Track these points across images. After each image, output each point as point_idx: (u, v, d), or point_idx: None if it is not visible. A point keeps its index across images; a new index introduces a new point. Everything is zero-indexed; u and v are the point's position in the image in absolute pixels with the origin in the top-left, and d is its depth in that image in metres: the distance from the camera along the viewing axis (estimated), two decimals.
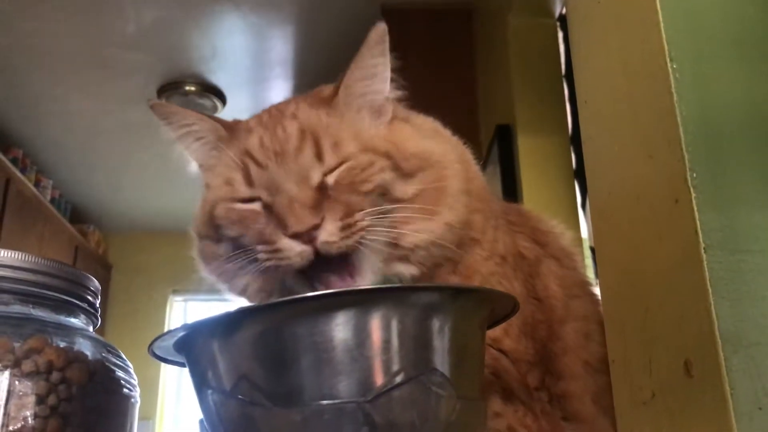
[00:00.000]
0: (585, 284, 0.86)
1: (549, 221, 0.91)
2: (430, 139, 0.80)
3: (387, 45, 0.75)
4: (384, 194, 0.70)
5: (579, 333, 0.79)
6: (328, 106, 0.75)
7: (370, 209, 0.69)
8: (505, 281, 0.77)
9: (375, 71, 0.76)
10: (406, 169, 0.72)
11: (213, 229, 0.75)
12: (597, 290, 0.88)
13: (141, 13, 3.10)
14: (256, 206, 0.71)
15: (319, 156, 0.70)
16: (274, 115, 0.76)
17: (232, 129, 0.78)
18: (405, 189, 0.71)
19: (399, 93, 0.80)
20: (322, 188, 0.69)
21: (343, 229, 0.66)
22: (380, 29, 0.74)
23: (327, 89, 0.78)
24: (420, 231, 0.70)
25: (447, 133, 0.87)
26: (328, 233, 0.66)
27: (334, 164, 0.70)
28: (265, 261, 0.68)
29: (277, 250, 0.67)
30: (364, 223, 0.68)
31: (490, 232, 0.79)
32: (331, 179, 0.69)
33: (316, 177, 0.69)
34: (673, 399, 0.58)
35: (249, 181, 0.71)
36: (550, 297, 0.80)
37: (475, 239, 0.77)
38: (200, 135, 0.79)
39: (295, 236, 0.66)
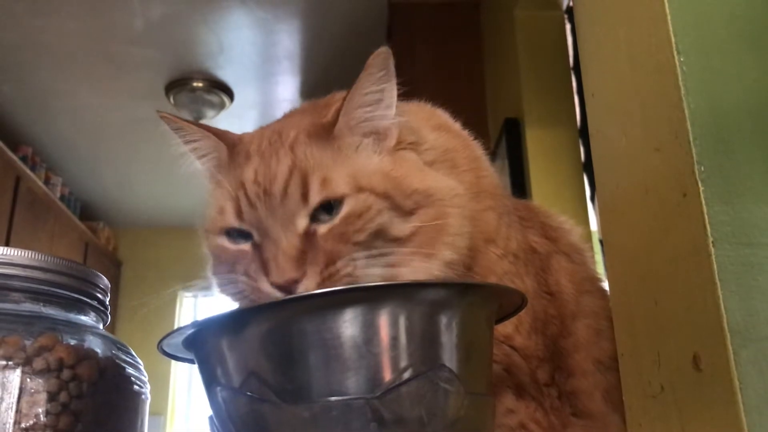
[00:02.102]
0: (595, 280, 0.86)
1: (558, 217, 0.91)
2: (437, 133, 0.79)
3: (391, 69, 0.71)
4: (379, 235, 0.67)
5: (590, 329, 0.79)
6: (327, 134, 0.71)
7: (361, 253, 0.66)
8: (518, 279, 0.76)
9: (376, 97, 0.71)
10: (406, 208, 0.68)
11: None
12: (606, 285, 0.88)
13: (148, 9, 3.11)
14: (245, 247, 0.69)
15: (305, 196, 0.66)
16: (273, 142, 0.72)
17: (233, 150, 0.75)
18: (403, 228, 0.68)
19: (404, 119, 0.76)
20: (309, 235, 0.66)
21: (324, 280, 0.64)
22: (382, 53, 0.69)
23: (333, 107, 0.74)
24: (417, 271, 0.67)
25: (457, 127, 0.86)
26: (306, 288, 0.63)
27: (317, 202, 0.66)
28: (245, 291, 0.67)
29: (257, 289, 0.66)
30: (348, 269, 0.65)
31: (504, 229, 0.78)
32: (322, 229, 0.66)
33: (302, 223, 0.66)
34: (682, 393, 0.58)
35: (239, 215, 0.69)
36: (562, 292, 0.80)
37: (489, 238, 0.76)
38: (204, 152, 0.77)
39: (275, 285, 0.64)
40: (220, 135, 0.77)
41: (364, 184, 0.67)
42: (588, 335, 0.78)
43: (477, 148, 0.85)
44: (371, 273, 0.65)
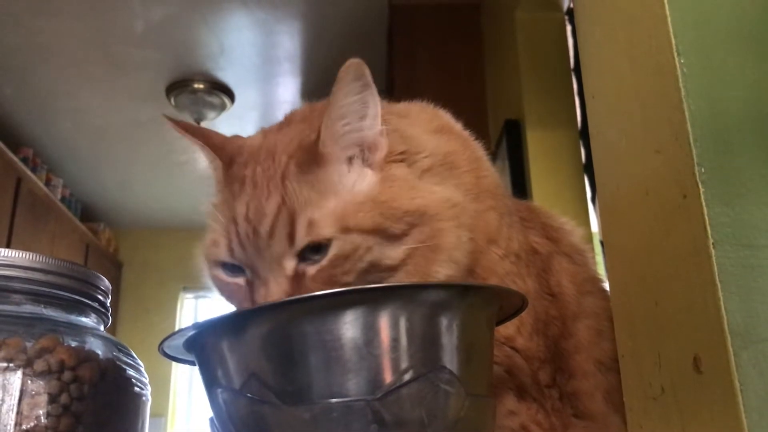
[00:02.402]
0: (596, 281, 0.86)
1: (559, 218, 0.91)
2: (436, 137, 0.79)
3: (367, 79, 0.68)
4: (371, 269, 0.66)
5: (591, 330, 0.79)
6: (314, 159, 0.68)
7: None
8: (519, 280, 0.76)
9: (356, 108, 0.69)
10: (397, 232, 0.66)
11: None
12: (607, 287, 0.88)
13: (149, 10, 3.12)
14: (240, 281, 0.69)
15: (291, 238, 0.65)
16: (266, 169, 0.70)
17: (229, 170, 0.73)
18: (395, 254, 0.66)
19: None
20: (298, 276, 0.65)
21: None
22: (353, 64, 0.67)
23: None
24: None
25: (458, 128, 0.86)
26: None
27: (302, 245, 0.65)
28: None
29: None
30: None
31: (505, 229, 0.78)
32: (311, 270, 0.65)
33: (289, 265, 0.65)
34: (683, 394, 0.58)
35: (231, 252, 0.68)
36: (563, 293, 0.80)
37: (491, 239, 0.75)
38: (207, 161, 0.77)
39: None
40: (218, 149, 0.75)
41: (351, 225, 0.65)
42: (589, 336, 0.78)
43: (478, 149, 0.84)
44: None
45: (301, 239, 0.64)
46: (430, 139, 0.78)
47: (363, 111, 0.69)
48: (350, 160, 0.69)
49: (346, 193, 0.67)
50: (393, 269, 0.66)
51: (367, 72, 0.67)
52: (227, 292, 0.71)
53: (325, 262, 0.64)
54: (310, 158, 0.68)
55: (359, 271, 0.65)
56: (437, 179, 0.73)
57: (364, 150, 0.70)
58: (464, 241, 0.70)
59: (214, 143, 0.76)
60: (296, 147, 0.70)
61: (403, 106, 0.87)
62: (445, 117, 0.87)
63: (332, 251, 0.64)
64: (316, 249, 0.65)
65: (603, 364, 0.77)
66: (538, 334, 0.75)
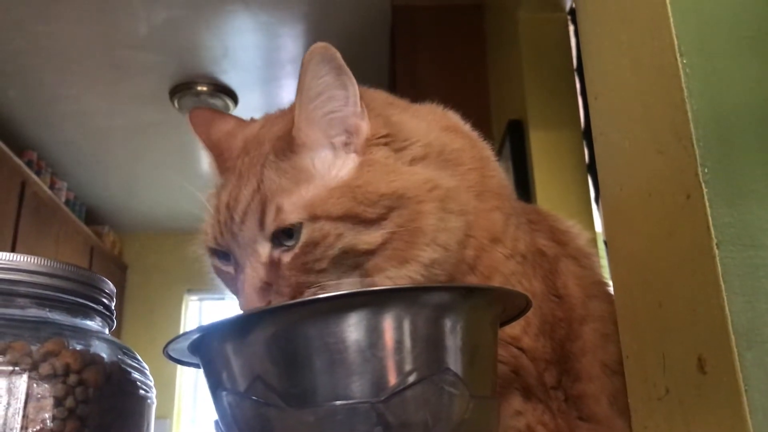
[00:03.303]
0: (602, 284, 0.85)
1: (566, 221, 0.91)
2: (445, 134, 0.79)
3: (337, 62, 0.67)
4: (346, 255, 0.65)
5: (597, 333, 0.79)
6: (290, 146, 0.69)
7: (332, 276, 0.65)
8: (525, 280, 0.76)
9: (323, 91, 0.68)
10: (372, 217, 0.65)
11: None
12: (612, 290, 0.88)
13: (152, 13, 3.12)
14: (230, 269, 0.70)
15: (261, 224, 0.66)
16: (252, 159, 0.71)
17: (221, 164, 0.76)
18: (371, 239, 0.65)
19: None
20: (273, 263, 0.66)
21: None
22: (316, 48, 0.66)
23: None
24: (393, 279, 0.66)
25: (466, 128, 0.86)
26: None
27: (271, 231, 0.65)
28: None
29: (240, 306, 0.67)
30: (314, 290, 0.65)
31: (512, 230, 0.77)
32: (286, 257, 0.65)
33: (263, 251, 0.66)
34: (687, 395, 0.58)
35: (215, 239, 0.70)
36: (570, 295, 0.80)
37: (496, 238, 0.75)
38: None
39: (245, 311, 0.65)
40: (213, 144, 0.77)
41: (319, 212, 0.65)
42: (595, 339, 0.78)
43: (486, 150, 0.84)
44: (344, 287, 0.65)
45: (269, 225, 0.65)
46: (432, 132, 0.77)
47: (335, 93, 0.68)
48: (333, 144, 0.69)
49: (320, 179, 0.67)
50: (370, 253, 0.66)
51: (338, 55, 0.67)
52: (224, 281, 0.73)
53: (297, 249, 0.65)
54: (286, 145, 0.69)
55: (332, 258, 0.65)
56: (431, 168, 0.72)
57: (344, 134, 0.70)
58: (452, 226, 0.69)
59: (210, 139, 0.78)
60: (278, 134, 0.71)
61: (411, 104, 0.87)
62: (455, 117, 0.87)
63: (303, 238, 0.65)
64: (288, 235, 0.65)
65: (609, 367, 0.77)
66: (545, 336, 0.75)
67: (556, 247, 0.84)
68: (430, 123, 0.81)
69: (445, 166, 0.74)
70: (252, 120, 0.82)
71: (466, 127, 0.86)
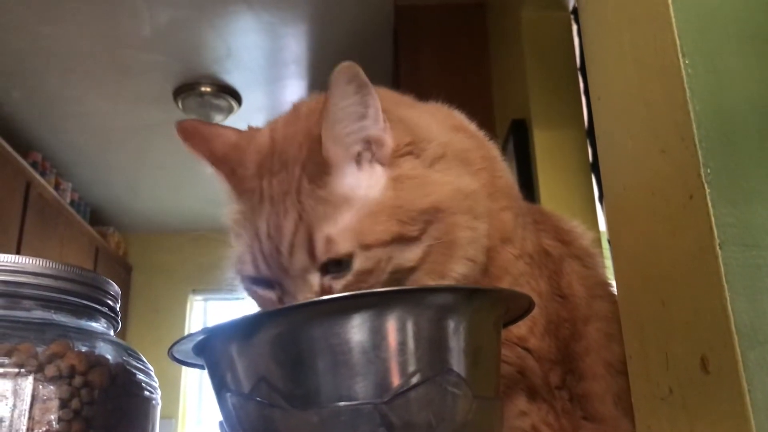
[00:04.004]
0: (606, 285, 0.86)
1: (570, 221, 0.91)
2: (453, 133, 0.78)
3: (362, 79, 0.67)
4: (393, 274, 0.66)
5: (601, 333, 0.79)
6: (324, 168, 0.68)
7: None
8: (533, 281, 0.76)
9: (351, 110, 0.68)
10: (414, 234, 0.66)
11: None
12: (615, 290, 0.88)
13: (156, 14, 3.12)
14: (272, 295, 0.69)
15: (312, 255, 0.65)
16: (281, 182, 0.69)
17: (236, 182, 0.73)
18: (413, 255, 0.66)
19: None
20: (325, 291, 0.65)
21: None
22: (343, 67, 0.66)
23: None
24: None
25: (473, 127, 0.86)
26: None
27: (323, 261, 0.65)
28: None
29: None
30: None
31: (520, 230, 0.78)
32: (338, 285, 0.65)
33: (314, 280, 0.66)
34: (691, 395, 0.58)
35: (257, 268, 0.69)
36: (574, 295, 0.80)
37: (506, 238, 0.75)
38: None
39: None
40: (219, 161, 0.74)
41: (369, 241, 0.65)
42: (599, 339, 0.78)
43: (492, 149, 0.85)
44: None
45: (321, 256, 0.65)
46: (442, 131, 0.77)
47: (362, 111, 0.68)
48: (358, 158, 0.69)
49: (360, 202, 0.67)
50: (412, 270, 0.66)
51: (361, 73, 0.67)
52: (263, 306, 0.71)
53: (350, 277, 0.65)
54: (320, 168, 0.68)
55: (384, 281, 0.65)
56: (449, 166, 0.73)
57: (371, 148, 0.69)
58: (480, 234, 0.70)
59: (215, 155, 0.74)
60: (306, 157, 0.69)
61: (416, 102, 0.87)
62: (460, 117, 0.87)
63: (355, 267, 0.65)
64: (337, 263, 0.65)
65: (613, 366, 0.77)
66: (550, 336, 0.75)
67: (561, 246, 0.84)
68: (439, 122, 0.81)
69: (462, 165, 0.75)
70: (251, 129, 0.80)
71: (472, 126, 0.86)
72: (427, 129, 0.76)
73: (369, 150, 0.69)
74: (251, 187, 0.71)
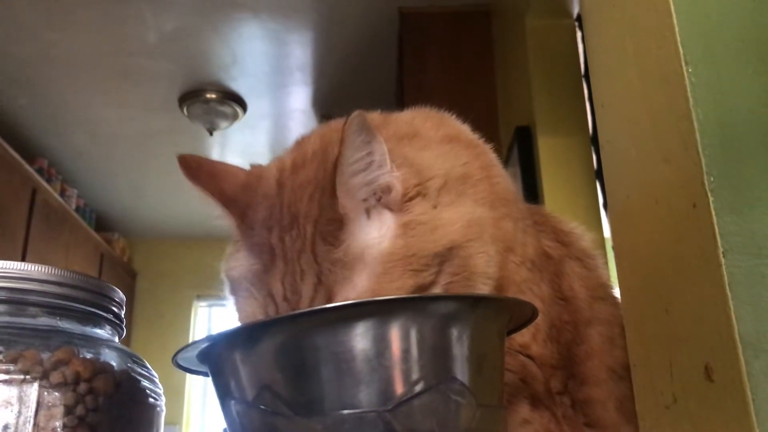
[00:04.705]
0: (607, 286, 0.85)
1: (569, 222, 0.91)
2: (448, 147, 0.78)
3: (370, 129, 0.65)
4: None
5: (603, 337, 0.79)
6: (338, 225, 0.66)
7: None
8: (535, 286, 0.76)
9: (366, 161, 0.66)
10: (431, 279, 0.65)
11: None
12: (617, 293, 0.88)
13: (161, 21, 3.14)
14: None
15: None
16: (294, 240, 0.67)
17: (245, 230, 0.71)
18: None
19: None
20: None
21: None
22: (353, 119, 0.64)
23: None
24: None
25: (466, 134, 0.85)
26: None
27: None
28: None
29: None
30: None
31: (520, 235, 0.77)
32: None
33: None
34: (695, 403, 0.58)
35: None
36: (576, 297, 0.80)
37: (508, 247, 0.75)
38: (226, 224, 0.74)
39: None
40: (230, 202, 0.72)
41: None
42: (601, 343, 0.78)
43: (488, 153, 0.84)
44: None
45: None
46: (439, 155, 0.76)
47: (371, 159, 0.66)
48: (368, 208, 0.67)
49: (374, 258, 0.65)
50: None
51: (368, 120, 0.65)
52: None
53: None
54: (334, 226, 0.66)
55: None
56: (453, 195, 0.72)
57: (381, 196, 0.68)
58: (492, 254, 0.70)
59: (225, 195, 0.72)
60: (318, 213, 0.67)
61: (406, 120, 0.85)
62: (452, 122, 0.86)
63: None
64: None
65: (615, 372, 0.77)
66: (552, 341, 0.75)
67: (561, 248, 0.83)
68: (431, 139, 0.80)
69: (462, 189, 0.74)
70: (256, 168, 0.78)
71: (466, 132, 0.85)
72: (429, 164, 0.74)
73: (383, 198, 0.68)
74: (260, 241, 0.69)
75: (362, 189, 0.67)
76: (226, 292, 0.75)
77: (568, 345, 0.76)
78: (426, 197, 0.70)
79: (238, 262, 0.72)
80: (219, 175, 0.74)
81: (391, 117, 0.85)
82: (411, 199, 0.69)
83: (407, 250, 0.66)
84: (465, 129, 0.87)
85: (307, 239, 0.67)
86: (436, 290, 0.65)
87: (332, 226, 0.66)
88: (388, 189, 0.68)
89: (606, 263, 0.90)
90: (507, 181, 0.82)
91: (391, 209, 0.68)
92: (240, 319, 0.70)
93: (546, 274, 0.79)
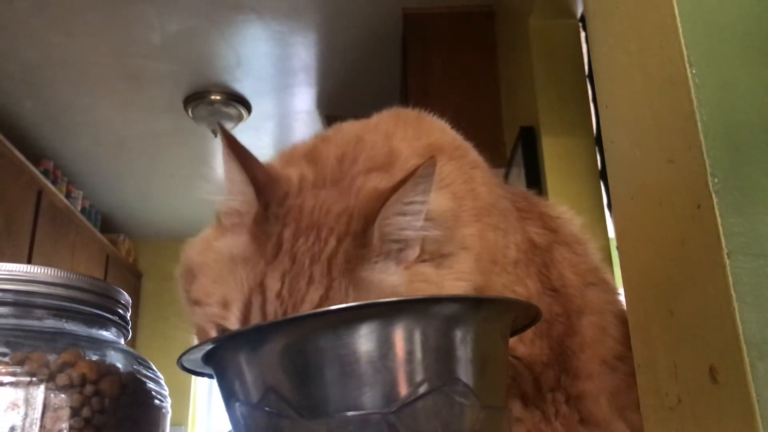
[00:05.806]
0: (598, 271, 0.84)
1: (558, 207, 0.89)
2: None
3: (432, 179, 0.61)
4: None
5: (596, 327, 0.78)
6: (361, 255, 0.62)
7: None
8: (519, 287, 0.74)
9: (416, 208, 0.62)
10: None
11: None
12: (610, 277, 0.87)
13: (166, 23, 3.15)
14: None
15: None
16: (309, 245, 0.63)
17: (263, 225, 0.65)
18: None
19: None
20: None
21: None
22: (430, 167, 0.60)
23: (369, 199, 0.65)
24: None
25: (447, 139, 0.80)
26: None
27: None
28: None
29: None
30: None
31: (501, 241, 0.74)
32: None
33: None
34: (699, 405, 0.58)
35: (245, 319, 0.61)
36: (566, 285, 0.79)
37: (493, 260, 0.73)
38: (235, 207, 0.68)
39: None
40: (260, 190, 0.66)
41: None
42: (594, 333, 0.77)
43: (470, 155, 0.80)
44: None
45: None
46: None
47: (420, 211, 0.63)
48: (388, 254, 0.63)
49: (385, 293, 0.62)
50: None
51: (433, 176, 0.62)
52: None
53: None
54: (360, 251, 0.62)
55: None
56: (452, 246, 0.68)
57: (403, 247, 0.64)
58: (478, 269, 0.69)
59: (258, 183, 0.66)
60: (345, 229, 0.63)
61: (379, 139, 0.77)
62: (431, 125, 0.82)
63: None
64: None
65: (607, 363, 0.76)
66: (541, 338, 0.74)
67: (548, 234, 0.82)
68: (409, 144, 0.75)
69: (456, 224, 0.70)
70: (272, 167, 0.73)
71: (446, 137, 0.81)
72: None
73: (400, 250, 0.64)
74: (270, 232, 0.64)
75: (398, 234, 0.63)
76: (179, 275, 0.71)
77: (560, 338, 0.76)
78: (430, 261, 0.66)
79: (229, 241, 0.67)
80: (253, 159, 0.68)
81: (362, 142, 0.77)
82: (422, 261, 0.65)
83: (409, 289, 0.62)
84: (444, 129, 0.83)
85: (326, 250, 0.62)
86: None
87: (359, 250, 0.62)
88: (410, 245, 0.64)
89: (596, 247, 0.88)
90: (487, 182, 0.78)
91: (399, 262, 0.64)
92: (202, 302, 0.66)
93: (532, 267, 0.77)
